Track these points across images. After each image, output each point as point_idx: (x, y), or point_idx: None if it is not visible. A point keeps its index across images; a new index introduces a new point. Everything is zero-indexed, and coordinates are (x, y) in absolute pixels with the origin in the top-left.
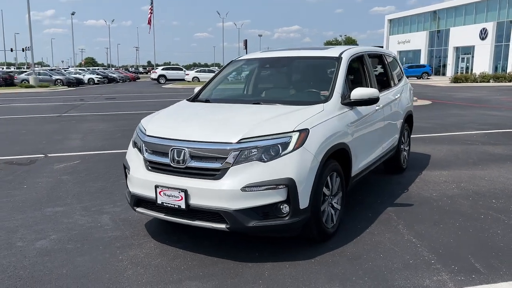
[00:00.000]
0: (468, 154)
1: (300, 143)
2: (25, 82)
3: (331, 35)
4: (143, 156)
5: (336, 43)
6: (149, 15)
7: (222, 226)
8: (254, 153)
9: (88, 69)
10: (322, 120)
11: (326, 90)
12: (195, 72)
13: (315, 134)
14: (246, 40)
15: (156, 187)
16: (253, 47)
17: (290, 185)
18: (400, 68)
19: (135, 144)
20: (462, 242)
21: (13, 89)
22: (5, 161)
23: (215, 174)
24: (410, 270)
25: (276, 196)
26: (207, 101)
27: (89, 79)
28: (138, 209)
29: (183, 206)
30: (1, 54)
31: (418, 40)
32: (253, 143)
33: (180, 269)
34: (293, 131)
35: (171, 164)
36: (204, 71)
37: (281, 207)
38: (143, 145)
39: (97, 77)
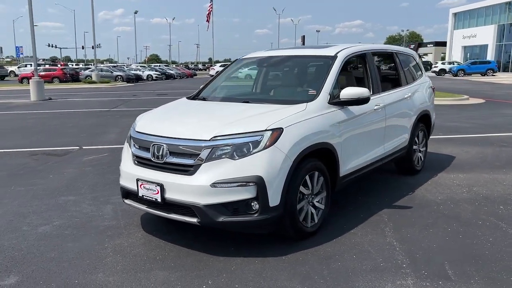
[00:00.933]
0: (498, 157)
1: (272, 142)
2: (88, 78)
3: (395, 29)
4: (131, 151)
5: (399, 38)
6: (208, 13)
7: (194, 220)
8: (226, 150)
9: (149, 66)
10: (300, 120)
11: (316, 89)
12: (248, 69)
13: (289, 133)
14: (303, 36)
15: (138, 180)
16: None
17: (258, 183)
18: (419, 66)
19: (128, 139)
20: (445, 248)
21: (77, 85)
22: (44, 151)
23: (188, 170)
24: (376, 273)
25: (245, 193)
26: (204, 99)
27: (148, 75)
28: (126, 201)
29: (159, 200)
30: (72, 51)
31: (485, 35)
32: (225, 141)
33: (155, 259)
34: (265, 130)
35: (152, 159)
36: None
37: (251, 204)
38: (132, 140)
39: (155, 74)
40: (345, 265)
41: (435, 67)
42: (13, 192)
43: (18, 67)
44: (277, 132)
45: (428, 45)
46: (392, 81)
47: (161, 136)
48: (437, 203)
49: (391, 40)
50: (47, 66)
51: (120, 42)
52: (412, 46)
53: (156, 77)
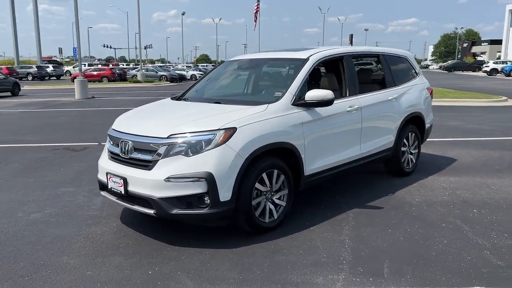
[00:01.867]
0: (501, 161)
1: (224, 140)
2: (134, 78)
3: (451, 27)
4: (107, 147)
5: (454, 36)
6: (255, 12)
7: (151, 211)
8: (181, 148)
9: (195, 66)
10: (257, 120)
11: (282, 91)
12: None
13: (242, 133)
14: (351, 35)
15: (107, 174)
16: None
17: (208, 179)
18: (413, 68)
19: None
20: (394, 248)
21: (123, 84)
22: (65, 147)
23: (148, 165)
24: (314, 267)
25: (197, 188)
26: (185, 99)
27: (191, 75)
28: (102, 193)
29: (122, 192)
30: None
31: None
32: (181, 139)
33: (118, 246)
34: (218, 129)
35: (120, 155)
36: None
37: (204, 198)
38: (108, 136)
39: (198, 74)
40: (288, 259)
41: (486, 66)
42: (23, 182)
43: (74, 67)
44: (230, 131)
45: (483, 44)
46: (375, 83)
47: (128, 134)
48: (411, 204)
49: (446, 38)
50: (99, 66)
51: (172, 42)
52: (465, 45)
53: (199, 76)
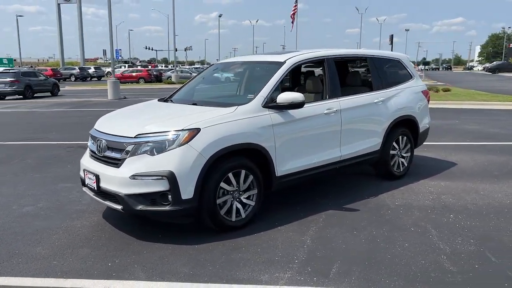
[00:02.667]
0: (503, 167)
1: (187, 140)
2: (169, 79)
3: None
4: (88, 145)
5: (503, 36)
6: (292, 13)
7: (119, 207)
8: (147, 147)
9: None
10: (223, 121)
11: (255, 93)
12: (216, 74)
13: (206, 134)
14: (392, 35)
15: (84, 170)
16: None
17: (170, 178)
18: (408, 70)
19: None
20: (352, 249)
21: (157, 85)
22: (79, 145)
23: (117, 163)
24: (265, 265)
25: (159, 186)
26: (170, 100)
27: (226, 77)
28: (83, 189)
29: (95, 188)
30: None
31: None
32: (146, 138)
33: (91, 239)
34: (182, 130)
35: (96, 153)
36: None
37: (167, 196)
38: (90, 136)
39: (232, 75)
40: (243, 256)
41: None
42: (29, 178)
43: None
44: (193, 132)
45: None
46: (360, 85)
47: (104, 133)
48: (388, 208)
49: (494, 38)
50: (138, 68)
51: (212, 44)
52: (511, 45)
53: (232, 78)
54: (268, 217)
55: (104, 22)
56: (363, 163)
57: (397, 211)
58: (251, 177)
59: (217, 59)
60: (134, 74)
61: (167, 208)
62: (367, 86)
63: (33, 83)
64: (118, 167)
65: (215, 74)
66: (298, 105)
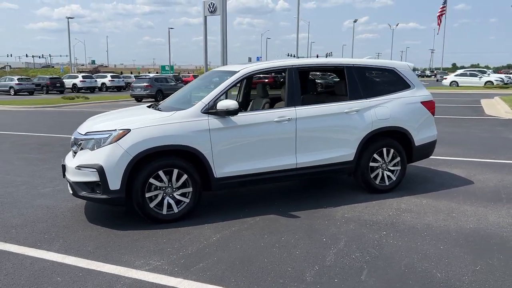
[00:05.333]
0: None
1: (116, 139)
2: None
3: None
4: None
5: None
6: (439, 15)
7: (71, 192)
8: (90, 143)
9: None
10: (155, 124)
11: (199, 100)
12: (455, 76)
13: (135, 134)
14: None
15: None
16: None
17: (99, 170)
18: (403, 79)
19: None
20: (236, 250)
21: (277, 90)
22: None
23: (74, 156)
24: (149, 253)
25: (93, 177)
26: (150, 106)
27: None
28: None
29: (63, 176)
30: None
31: None
32: (91, 136)
33: (67, 227)
34: (115, 130)
35: (72, 149)
36: (465, 75)
37: (100, 185)
38: None
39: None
40: (143, 244)
41: None
42: (40, 167)
43: None
44: (123, 132)
45: None
46: (330, 94)
47: (77, 132)
48: (329, 219)
49: None
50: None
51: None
52: None
53: None
54: (209, 215)
55: (257, 31)
56: (332, 172)
57: (331, 223)
58: (185, 176)
59: None
60: (266, 80)
61: (100, 196)
62: (337, 96)
63: (164, 88)
64: (73, 159)
65: (199, 82)
66: (233, 112)
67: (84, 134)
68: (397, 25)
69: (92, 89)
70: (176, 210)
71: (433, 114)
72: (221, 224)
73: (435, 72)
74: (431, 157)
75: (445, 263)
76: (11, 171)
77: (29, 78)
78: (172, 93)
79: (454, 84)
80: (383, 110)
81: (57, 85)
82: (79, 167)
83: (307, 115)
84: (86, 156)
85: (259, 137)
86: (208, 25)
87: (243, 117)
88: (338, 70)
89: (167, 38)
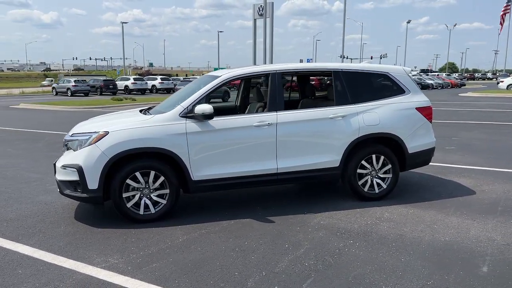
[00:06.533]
0: None
1: (95, 141)
2: None
3: None
4: None
5: None
6: (502, 14)
7: (58, 190)
8: (74, 144)
9: (419, 75)
10: (133, 127)
11: (179, 103)
12: None
13: (113, 136)
14: None
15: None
16: None
17: (78, 170)
18: (397, 84)
19: None
20: (194, 253)
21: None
22: None
23: (62, 156)
24: (111, 251)
25: (74, 176)
26: (142, 110)
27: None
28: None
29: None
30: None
31: None
32: (76, 137)
33: (53, 223)
34: (95, 132)
35: (63, 149)
36: None
37: (80, 184)
38: None
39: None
40: (110, 242)
41: None
42: (42, 158)
43: None
44: (102, 134)
45: None
46: (315, 99)
47: (68, 133)
48: (303, 225)
49: None
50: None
51: (420, 50)
52: None
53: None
54: (187, 217)
55: (312, 32)
56: (317, 178)
57: (305, 229)
58: (162, 178)
59: (415, 67)
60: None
61: (80, 194)
62: (323, 101)
63: None
64: (61, 159)
65: (193, 85)
66: (208, 116)
67: (71, 136)
68: (454, 26)
69: (143, 91)
70: (153, 210)
71: (430, 120)
72: (194, 226)
73: (497, 74)
74: (442, 165)
75: (397, 275)
76: (33, 168)
77: (84, 80)
78: (215, 95)
79: (511, 87)
80: (372, 116)
81: (110, 86)
82: (64, 167)
83: (289, 120)
84: (70, 156)
85: (237, 141)
86: (261, 28)
87: (221, 121)
88: (325, 75)
89: (221, 41)
